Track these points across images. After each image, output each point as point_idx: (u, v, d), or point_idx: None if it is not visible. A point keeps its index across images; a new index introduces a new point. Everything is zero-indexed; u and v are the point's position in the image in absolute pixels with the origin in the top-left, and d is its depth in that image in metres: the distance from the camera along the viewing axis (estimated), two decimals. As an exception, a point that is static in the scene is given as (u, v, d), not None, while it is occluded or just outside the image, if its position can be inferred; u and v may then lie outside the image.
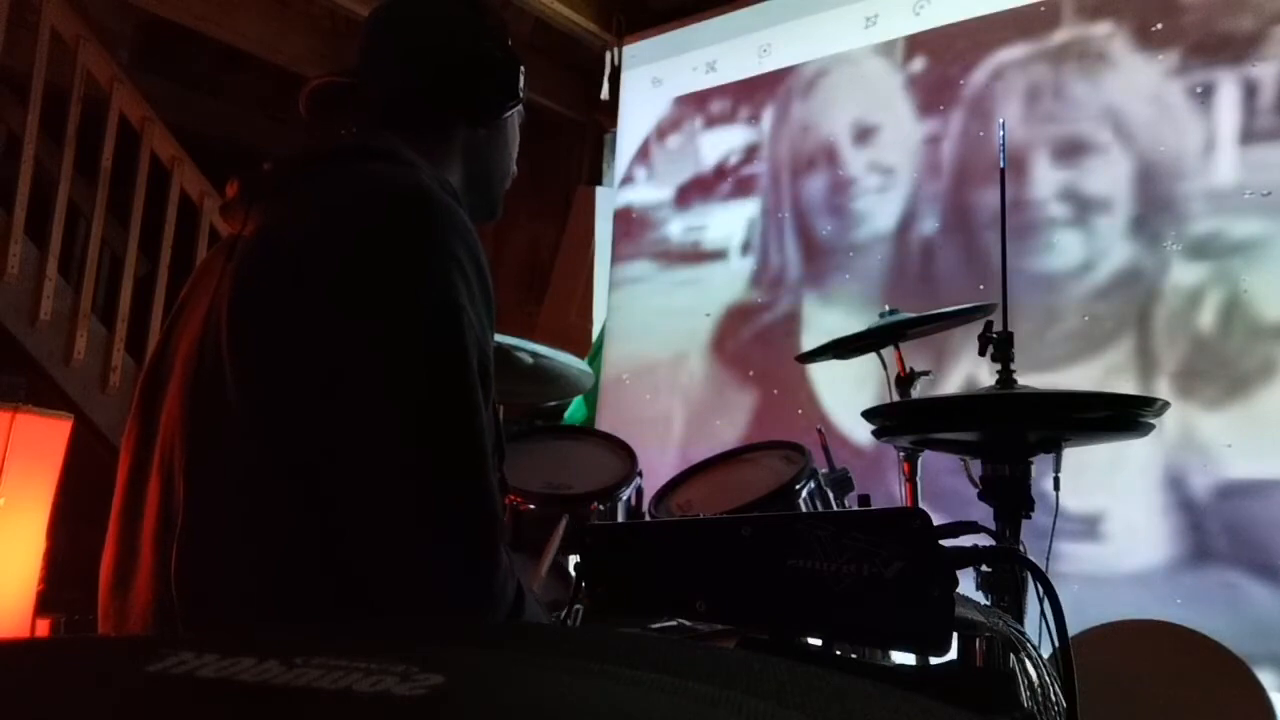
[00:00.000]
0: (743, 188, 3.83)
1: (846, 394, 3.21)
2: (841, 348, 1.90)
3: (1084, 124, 2.96)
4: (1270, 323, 2.55)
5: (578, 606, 0.89)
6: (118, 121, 3.78)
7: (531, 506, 1.55)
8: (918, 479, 1.75)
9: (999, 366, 1.42)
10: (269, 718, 0.26)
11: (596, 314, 4.44)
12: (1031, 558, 0.92)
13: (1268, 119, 2.65)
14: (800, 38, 3.76)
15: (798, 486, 1.49)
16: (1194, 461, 2.58)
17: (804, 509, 1.49)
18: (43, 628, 2.87)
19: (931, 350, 2.68)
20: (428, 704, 0.26)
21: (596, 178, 4.92)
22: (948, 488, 1.78)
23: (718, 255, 3.84)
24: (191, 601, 0.86)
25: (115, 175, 3.74)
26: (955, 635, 0.69)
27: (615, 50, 4.43)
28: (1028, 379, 1.44)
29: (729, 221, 3.83)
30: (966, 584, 1.20)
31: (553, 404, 3.76)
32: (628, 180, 4.26)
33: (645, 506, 1.66)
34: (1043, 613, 0.79)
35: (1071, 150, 2.97)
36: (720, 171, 3.91)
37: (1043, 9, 3.12)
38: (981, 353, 1.46)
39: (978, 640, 0.81)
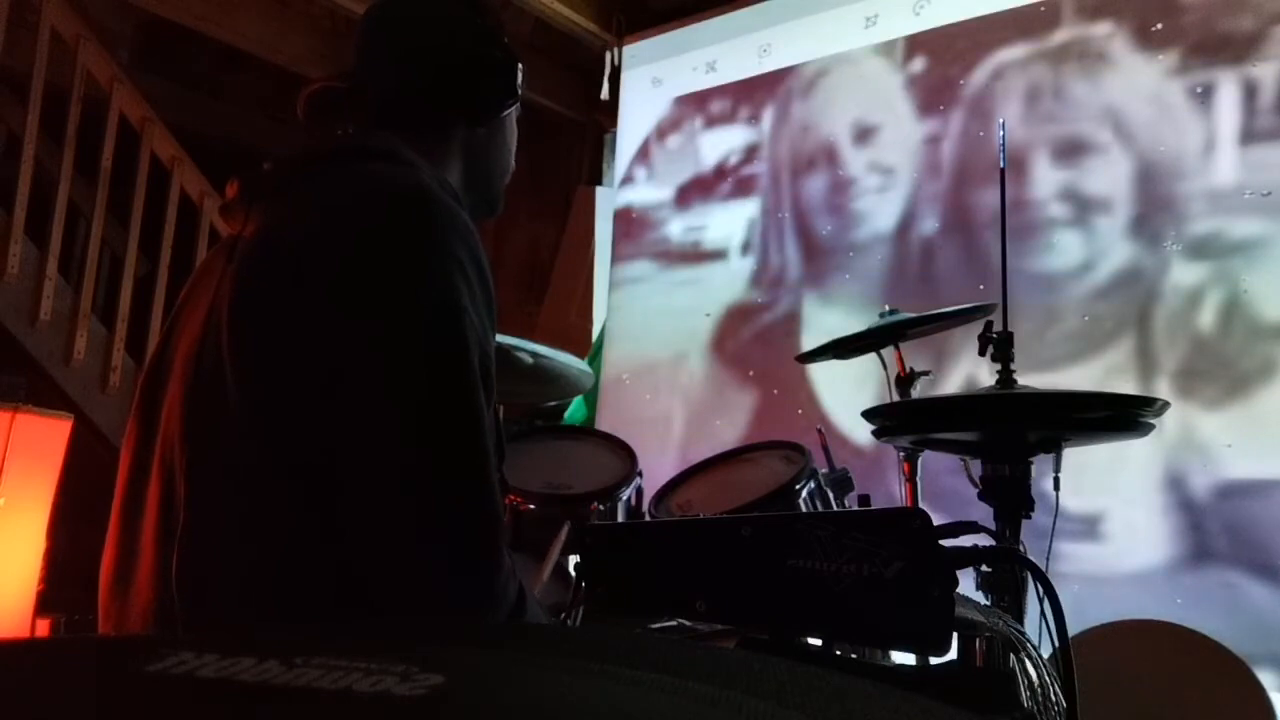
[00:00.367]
0: (743, 188, 3.83)
1: (846, 394, 3.21)
2: (841, 348, 1.90)
3: (1084, 124, 2.96)
4: (1270, 323, 2.55)
5: (579, 607, 0.89)
6: (118, 121, 3.78)
7: (531, 506, 1.55)
8: (918, 479, 1.75)
9: (999, 366, 1.42)
10: (269, 718, 0.26)
11: (596, 314, 4.44)
12: (1031, 558, 0.92)
13: (1268, 119, 2.65)
14: (800, 38, 3.76)
15: (798, 486, 1.49)
16: (1194, 461, 2.58)
17: (804, 509, 1.49)
18: (43, 628, 2.87)
19: (931, 350, 2.68)
20: (428, 704, 0.26)
21: (596, 178, 4.92)
22: (948, 488, 1.78)
23: (718, 255, 3.84)
24: (191, 601, 0.86)
25: (115, 175, 3.74)
26: (955, 635, 0.69)
27: (615, 50, 4.44)
28: (1028, 379, 1.44)
29: (729, 221, 3.83)
30: (966, 584, 1.20)
31: (553, 404, 3.76)
32: (628, 180, 4.26)
33: (645, 506, 1.66)
34: (1043, 613, 0.79)
35: (1071, 150, 2.97)
36: (720, 171, 3.91)
37: (1043, 9, 3.12)
38: (981, 353, 1.46)
39: (978, 640, 0.81)
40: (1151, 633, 1.94)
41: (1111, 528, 2.67)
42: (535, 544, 1.45)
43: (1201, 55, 2.78)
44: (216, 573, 0.87)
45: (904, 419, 1.45)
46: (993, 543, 1.06)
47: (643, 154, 4.22)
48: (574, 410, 4.05)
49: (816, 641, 0.76)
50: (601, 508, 1.58)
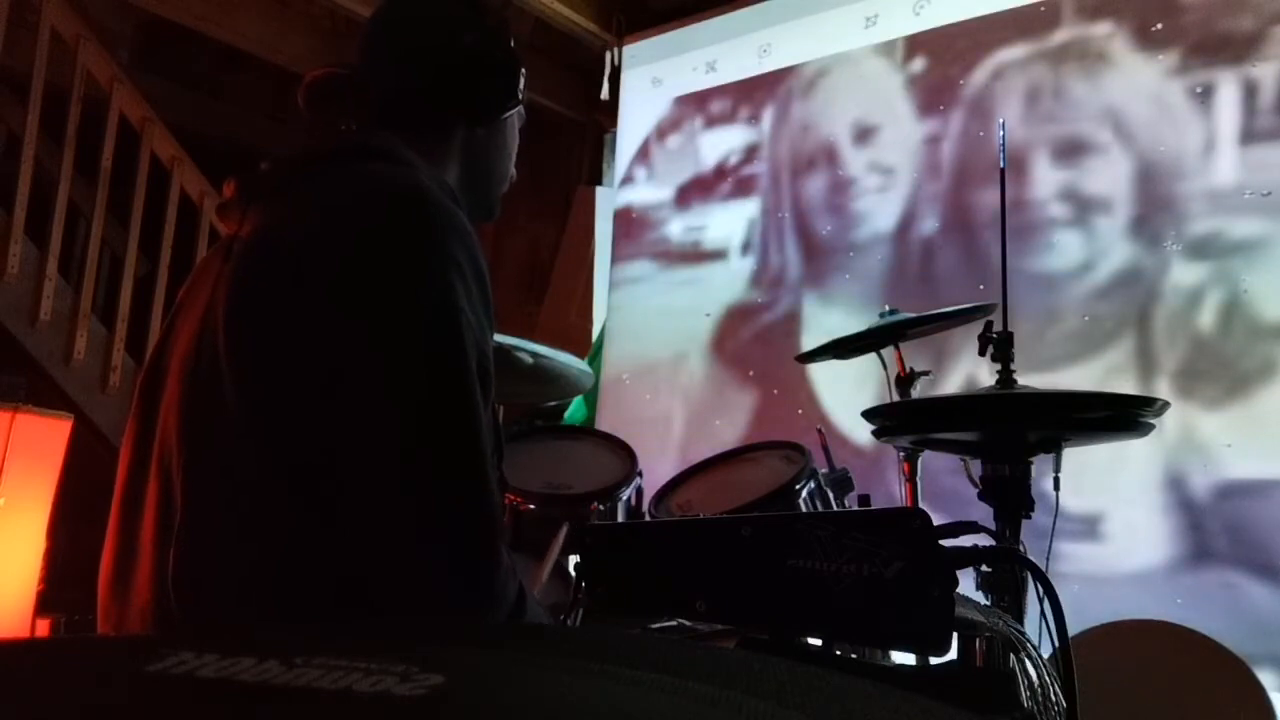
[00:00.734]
0: (743, 188, 3.83)
1: (846, 394, 3.21)
2: (841, 348, 1.90)
3: (1084, 124, 2.96)
4: (1270, 323, 2.55)
5: (579, 607, 0.89)
6: (118, 121, 3.78)
7: (531, 506, 1.55)
8: (918, 479, 1.75)
9: (999, 366, 1.42)
10: (269, 718, 0.26)
11: (596, 314, 4.44)
12: (1031, 558, 0.92)
13: (1268, 119, 2.65)
14: (800, 38, 3.76)
15: (798, 486, 1.49)
16: (1194, 461, 2.58)
17: (804, 509, 1.49)
18: (43, 628, 2.87)
19: (931, 350, 2.68)
20: (428, 704, 0.26)
21: (596, 178, 4.92)
22: (948, 488, 1.78)
23: (718, 255, 3.84)
24: (190, 601, 0.86)
25: (115, 175, 3.74)
26: (955, 635, 0.69)
27: (615, 50, 4.43)
28: (1028, 379, 1.44)
29: (729, 221, 3.83)
30: (966, 584, 1.20)
31: (553, 404, 3.76)
32: (628, 180, 4.26)
33: (645, 506, 1.66)
34: (1043, 613, 0.79)
35: (1071, 150, 2.97)
36: (720, 171, 3.91)
37: (1043, 9, 3.12)
38: (981, 353, 1.46)
39: (978, 640, 0.81)
40: (1151, 633, 1.94)
41: (1111, 528, 2.67)
42: (535, 544, 1.45)
43: (1201, 55, 2.78)
44: (214, 573, 0.87)
45: (904, 419, 1.45)
46: (993, 543, 1.06)
47: (643, 154, 4.22)
48: (574, 410, 4.05)
49: (816, 641, 0.76)
50: (601, 508, 1.58)
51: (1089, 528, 2.67)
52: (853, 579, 0.67)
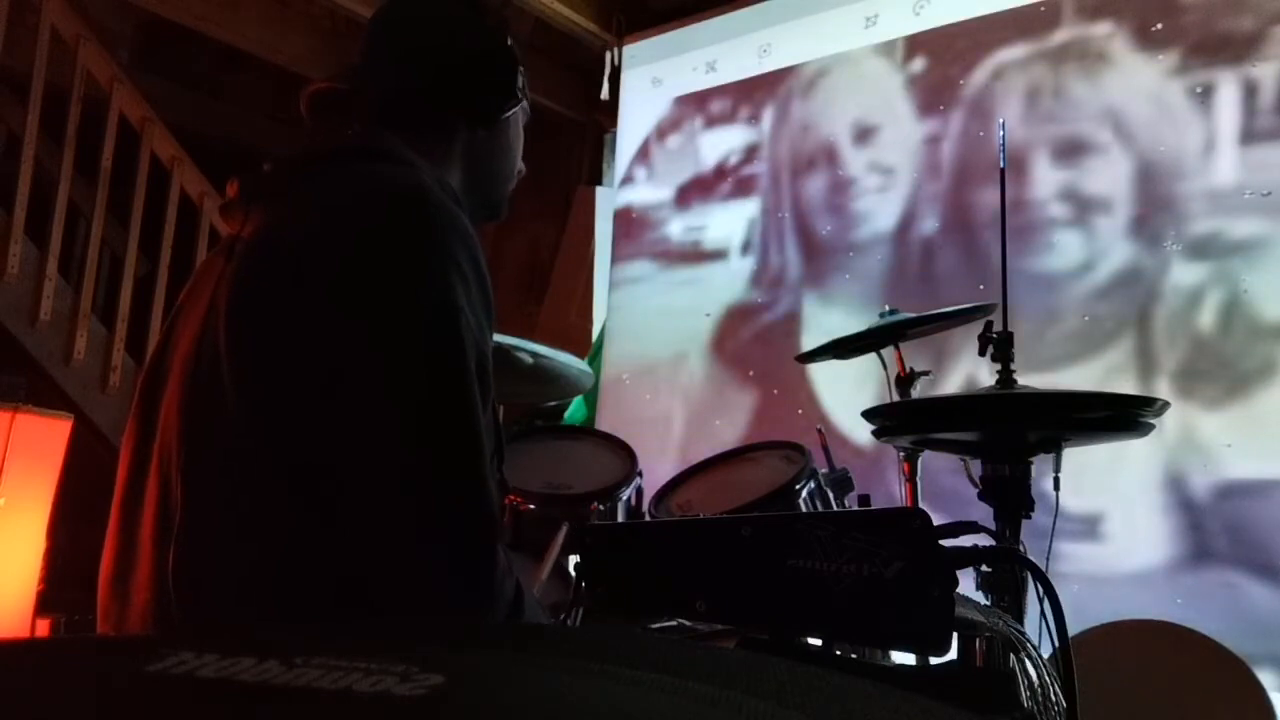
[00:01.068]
0: (743, 188, 3.83)
1: (846, 394, 3.21)
2: (841, 348, 1.90)
3: (1084, 124, 2.96)
4: (1270, 323, 2.55)
5: (579, 607, 0.89)
6: (118, 121, 3.78)
7: (531, 506, 1.55)
8: (918, 479, 1.75)
9: (999, 366, 1.42)
10: (269, 718, 0.26)
11: (596, 314, 4.44)
12: (1031, 558, 0.92)
13: (1268, 119, 2.65)
14: (800, 38, 3.76)
15: (798, 486, 1.49)
16: (1194, 461, 2.58)
17: (804, 509, 1.49)
18: (43, 628, 2.87)
19: (931, 350, 2.68)
20: (428, 704, 0.26)
21: (596, 178, 4.92)
22: (948, 488, 1.78)
23: (718, 255, 3.84)
24: (190, 601, 0.86)
25: (115, 175, 3.74)
26: (955, 635, 0.69)
27: (615, 50, 4.43)
28: (1028, 379, 1.44)
29: (729, 221, 3.83)
30: (966, 584, 1.20)
31: (553, 404, 3.76)
32: (628, 180, 4.26)
33: (645, 506, 1.66)
34: (1043, 613, 0.79)
35: (1071, 150, 2.97)
36: (720, 171, 3.91)
37: (1043, 9, 3.12)
38: (981, 353, 1.46)
39: (978, 640, 0.81)
40: (1151, 633, 1.94)
41: (1111, 528, 2.67)
42: (535, 544, 1.45)
43: (1201, 55, 2.78)
44: (213, 573, 0.87)
45: (904, 419, 1.45)
46: (993, 543, 1.06)
47: (643, 154, 4.22)
48: (574, 410, 4.05)
49: (816, 641, 0.76)
50: (601, 508, 1.58)
51: (1089, 528, 2.67)
52: (853, 579, 0.67)
